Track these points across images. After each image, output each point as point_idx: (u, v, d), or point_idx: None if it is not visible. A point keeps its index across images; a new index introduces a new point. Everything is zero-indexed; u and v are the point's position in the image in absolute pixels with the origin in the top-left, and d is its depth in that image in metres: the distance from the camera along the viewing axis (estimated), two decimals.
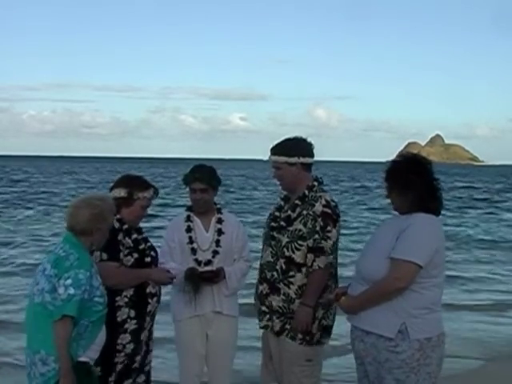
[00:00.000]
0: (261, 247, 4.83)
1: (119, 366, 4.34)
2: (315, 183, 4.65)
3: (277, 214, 4.71)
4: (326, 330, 4.60)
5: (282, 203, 4.74)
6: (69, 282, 3.66)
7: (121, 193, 4.45)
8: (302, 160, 4.58)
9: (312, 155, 4.67)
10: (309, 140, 4.66)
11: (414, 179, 3.83)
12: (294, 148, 4.59)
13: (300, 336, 4.48)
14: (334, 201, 4.60)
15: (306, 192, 4.59)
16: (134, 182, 4.55)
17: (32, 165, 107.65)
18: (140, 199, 4.48)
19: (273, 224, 4.67)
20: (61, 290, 3.66)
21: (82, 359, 3.78)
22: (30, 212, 28.61)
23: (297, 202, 4.59)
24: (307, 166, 4.64)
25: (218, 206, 5.17)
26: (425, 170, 3.91)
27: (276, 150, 4.63)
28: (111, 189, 4.53)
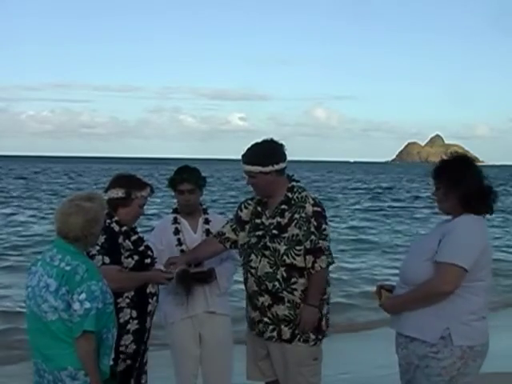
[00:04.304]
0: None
1: (121, 366, 4.31)
2: (294, 183, 4.56)
3: (258, 221, 4.56)
4: (328, 323, 4.61)
5: (259, 208, 4.59)
6: (83, 296, 3.52)
7: (118, 193, 4.41)
8: (276, 167, 4.44)
9: (285, 158, 4.52)
10: (280, 142, 4.51)
11: (463, 178, 3.72)
12: (268, 156, 4.44)
13: (313, 337, 4.46)
14: (316, 197, 4.57)
15: (289, 195, 4.49)
16: (130, 181, 4.50)
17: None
18: (138, 198, 4.45)
19: (259, 233, 4.53)
20: (76, 306, 3.52)
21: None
22: None
23: (283, 206, 4.47)
24: (282, 170, 4.51)
25: (204, 207, 5.17)
26: (474, 170, 3.80)
27: (249, 160, 4.48)
28: (106, 189, 4.47)
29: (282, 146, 4.52)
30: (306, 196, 4.49)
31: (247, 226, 4.63)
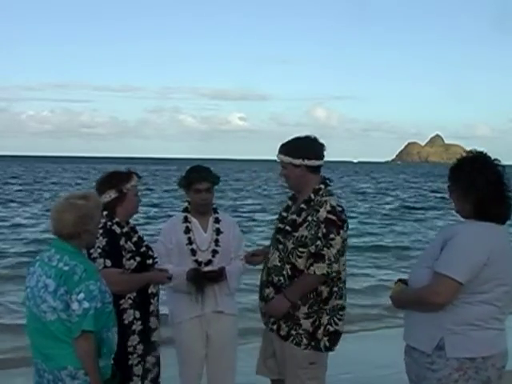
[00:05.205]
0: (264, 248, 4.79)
1: (136, 369, 4.34)
2: (322, 186, 4.50)
3: (284, 214, 4.60)
4: (335, 336, 4.51)
5: (290, 203, 4.64)
6: (81, 296, 3.52)
7: (111, 195, 4.42)
8: (306, 162, 4.44)
9: (320, 157, 4.51)
10: (320, 141, 4.50)
11: (478, 179, 3.47)
12: (301, 149, 4.45)
13: (305, 341, 4.40)
14: (340, 205, 4.43)
15: (312, 196, 4.45)
16: (116, 178, 4.51)
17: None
18: (130, 190, 4.48)
19: (280, 226, 4.56)
20: (75, 306, 3.52)
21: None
22: None
23: (302, 205, 4.46)
24: (314, 168, 4.49)
25: (214, 206, 5.17)
26: (492, 170, 3.52)
27: (283, 149, 4.52)
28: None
29: (321, 145, 4.52)
30: (325, 201, 4.40)
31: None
